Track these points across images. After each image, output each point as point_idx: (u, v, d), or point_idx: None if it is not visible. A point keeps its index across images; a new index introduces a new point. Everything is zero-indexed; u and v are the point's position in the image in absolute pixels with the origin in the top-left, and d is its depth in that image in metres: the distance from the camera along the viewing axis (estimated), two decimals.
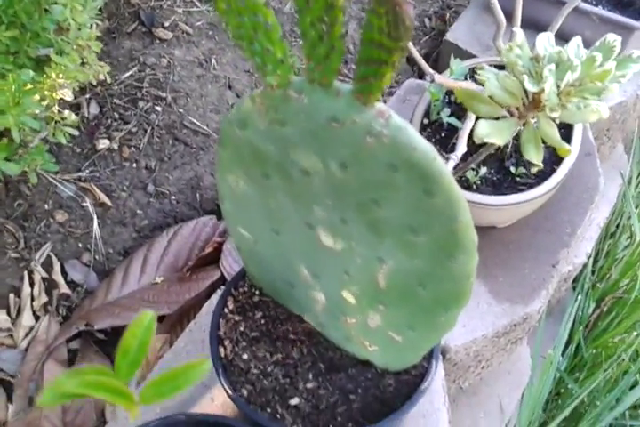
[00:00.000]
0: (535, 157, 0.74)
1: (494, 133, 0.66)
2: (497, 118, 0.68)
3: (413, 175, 0.49)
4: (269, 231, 0.70)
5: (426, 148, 0.48)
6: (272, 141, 0.56)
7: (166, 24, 1.61)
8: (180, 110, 1.47)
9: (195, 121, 1.45)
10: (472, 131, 0.70)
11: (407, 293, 0.61)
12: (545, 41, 0.63)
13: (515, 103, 0.66)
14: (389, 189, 0.52)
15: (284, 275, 0.75)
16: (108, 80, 1.08)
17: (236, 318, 0.85)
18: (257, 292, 0.86)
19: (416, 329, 0.65)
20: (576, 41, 0.63)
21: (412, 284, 0.59)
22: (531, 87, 0.61)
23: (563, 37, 0.89)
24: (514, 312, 1.15)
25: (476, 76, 0.71)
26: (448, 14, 1.96)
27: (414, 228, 0.54)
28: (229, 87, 1.55)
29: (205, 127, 1.45)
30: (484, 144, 0.80)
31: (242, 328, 0.84)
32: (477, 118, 0.71)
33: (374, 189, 0.53)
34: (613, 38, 0.62)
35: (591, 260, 1.65)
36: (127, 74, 1.47)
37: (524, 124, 0.70)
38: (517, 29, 0.64)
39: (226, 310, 0.85)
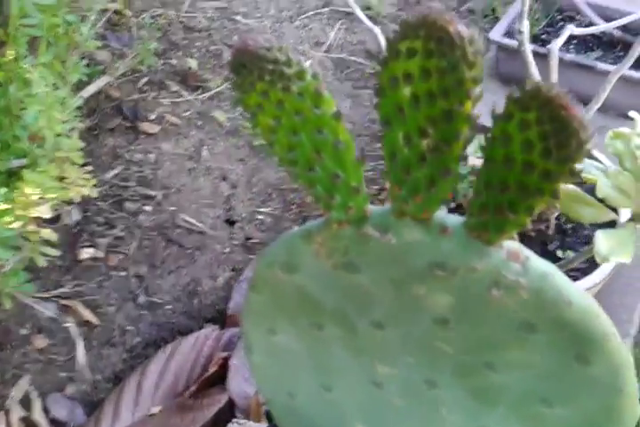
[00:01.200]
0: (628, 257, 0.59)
1: (618, 249, 0.52)
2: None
3: (562, 337, 0.34)
4: (316, 387, 0.54)
5: (584, 302, 0.33)
6: (334, 289, 0.41)
7: (152, 117, 1.49)
8: (172, 208, 1.32)
9: (188, 219, 1.31)
10: None
11: None
12: None
13: (627, 204, 0.53)
14: (517, 352, 0.37)
15: None
16: (94, 194, 0.93)
17: None
18: None
19: None
20: None
21: None
22: None
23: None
24: None
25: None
26: None
27: (548, 399, 0.39)
28: (224, 179, 1.42)
29: (200, 225, 1.31)
30: None
31: None
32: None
33: (491, 350, 0.38)
34: None
35: None
36: (111, 173, 1.34)
37: None
38: (635, 114, 0.52)
39: None
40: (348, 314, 0.43)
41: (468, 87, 0.27)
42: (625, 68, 0.84)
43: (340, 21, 1.92)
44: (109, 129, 1.43)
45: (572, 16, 1.59)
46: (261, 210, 1.37)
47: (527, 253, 0.33)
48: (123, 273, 1.22)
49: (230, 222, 1.35)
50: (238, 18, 1.85)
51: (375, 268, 0.37)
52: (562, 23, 1.57)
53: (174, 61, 1.63)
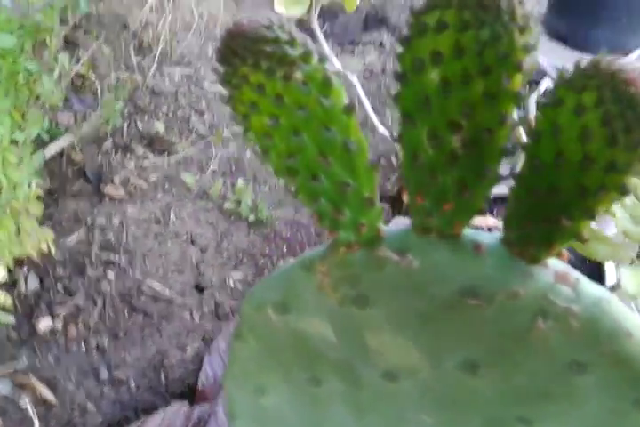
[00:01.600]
0: None
1: None
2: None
3: (619, 378, 0.28)
4: None
5: None
6: (340, 332, 0.34)
7: (116, 180, 1.43)
8: (137, 274, 1.24)
9: (155, 285, 1.22)
10: None
11: None
12: None
13: None
14: (560, 400, 0.30)
15: None
16: (52, 250, 0.85)
17: None
18: None
19: None
20: None
21: None
22: None
23: None
24: None
25: None
26: None
27: None
28: (192, 243, 1.35)
29: (168, 291, 1.22)
30: None
31: None
32: None
33: (528, 401, 0.31)
34: None
35: None
36: (72, 238, 1.26)
37: None
38: None
39: None
40: (354, 364, 0.36)
41: (519, 58, 0.23)
42: None
43: None
44: (71, 192, 1.36)
45: None
46: (232, 275, 1.30)
47: (576, 274, 0.28)
48: (83, 346, 1.12)
49: (200, 289, 1.27)
50: (205, 84, 1.84)
51: (392, 301, 0.30)
52: None
53: (140, 125, 1.59)
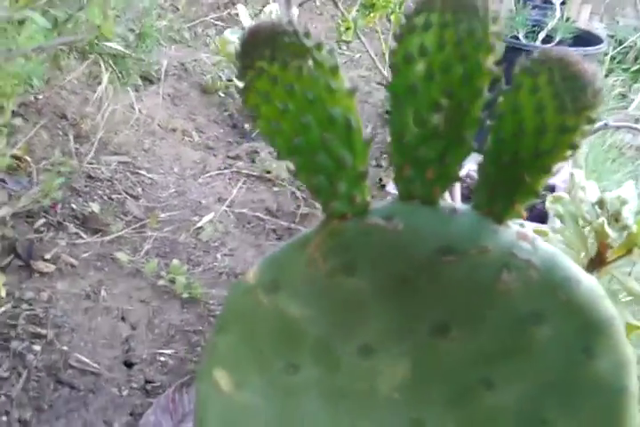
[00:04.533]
0: None
1: None
2: None
3: (571, 325, 0.33)
4: None
5: (592, 281, 0.33)
6: (324, 305, 0.38)
7: (47, 256, 1.42)
8: (64, 348, 1.21)
9: (83, 359, 1.19)
10: None
11: None
12: (592, 185, 0.55)
13: (576, 259, 0.55)
14: (520, 356, 0.35)
15: None
16: None
17: None
18: None
19: None
20: (631, 185, 0.56)
21: None
22: (613, 234, 0.51)
23: None
24: None
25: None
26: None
27: (550, 419, 0.36)
28: (122, 319, 1.33)
29: (96, 365, 1.19)
30: None
31: None
32: None
33: (492, 360, 0.36)
34: None
35: None
36: None
37: None
38: (577, 172, 0.56)
39: None
40: (333, 343, 0.39)
41: (492, 42, 0.30)
42: None
43: (241, 181, 2.01)
44: (0, 267, 1.34)
45: None
46: (163, 352, 1.28)
47: (533, 233, 0.33)
48: (4, 418, 1.06)
49: (129, 364, 1.24)
50: (142, 172, 1.89)
51: (378, 264, 0.35)
52: None
53: (74, 206, 1.60)
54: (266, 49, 0.32)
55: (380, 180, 2.02)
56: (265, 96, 0.34)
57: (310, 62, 0.32)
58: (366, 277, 0.35)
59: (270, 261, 0.39)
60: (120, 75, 1.97)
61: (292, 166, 0.35)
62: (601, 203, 0.52)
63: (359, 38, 1.16)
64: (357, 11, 1.16)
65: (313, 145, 0.33)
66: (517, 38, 1.89)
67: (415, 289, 0.35)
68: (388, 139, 0.33)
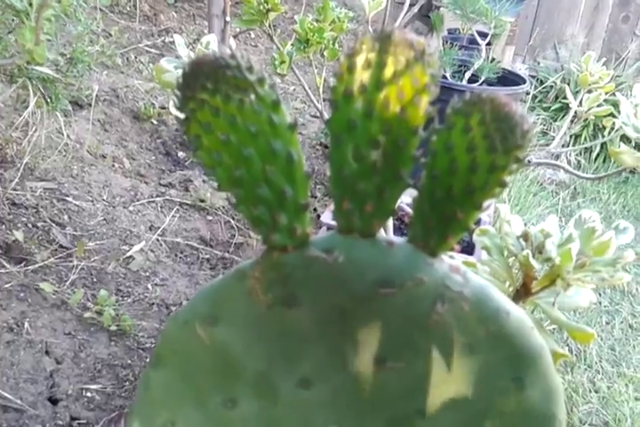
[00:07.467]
0: None
1: None
2: None
3: (500, 356, 0.35)
4: None
5: (520, 312, 0.34)
6: (264, 338, 0.38)
7: None
8: None
9: (5, 394, 1.13)
10: None
11: None
12: (516, 218, 0.57)
13: (504, 289, 0.57)
14: (453, 385, 0.36)
15: None
16: None
17: None
18: None
19: None
20: (553, 218, 0.58)
21: None
22: (537, 265, 0.53)
23: None
24: None
25: None
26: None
27: None
28: (47, 353, 1.28)
29: (19, 401, 1.14)
30: None
31: None
32: None
33: (425, 390, 0.37)
34: (589, 215, 0.59)
35: None
36: None
37: None
38: (502, 206, 0.58)
39: None
40: (273, 375, 0.39)
41: (427, 83, 0.31)
42: None
43: (174, 209, 1.99)
44: None
45: None
46: (90, 387, 1.24)
47: (464, 266, 0.35)
48: None
49: (53, 400, 1.19)
50: (69, 199, 1.84)
51: (318, 296, 0.35)
52: None
53: None
54: (208, 81, 0.33)
55: (315, 209, 2.04)
56: (206, 127, 0.34)
57: (252, 96, 0.33)
58: (306, 309, 0.36)
59: (208, 292, 0.39)
60: (49, 99, 1.93)
61: (231, 198, 0.35)
62: (525, 236, 0.55)
63: (294, 71, 1.18)
64: (292, 45, 1.19)
65: (254, 177, 0.34)
66: (445, 77, 1.96)
67: (354, 321, 0.36)
68: (328, 172, 0.34)
